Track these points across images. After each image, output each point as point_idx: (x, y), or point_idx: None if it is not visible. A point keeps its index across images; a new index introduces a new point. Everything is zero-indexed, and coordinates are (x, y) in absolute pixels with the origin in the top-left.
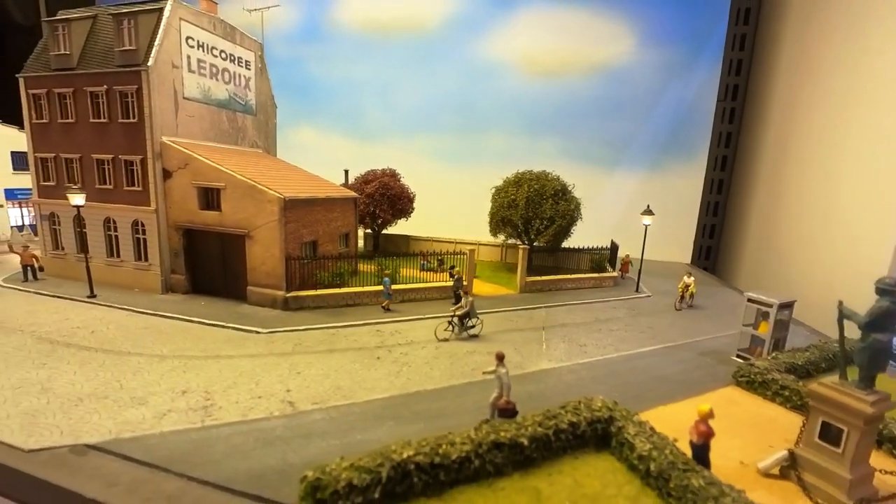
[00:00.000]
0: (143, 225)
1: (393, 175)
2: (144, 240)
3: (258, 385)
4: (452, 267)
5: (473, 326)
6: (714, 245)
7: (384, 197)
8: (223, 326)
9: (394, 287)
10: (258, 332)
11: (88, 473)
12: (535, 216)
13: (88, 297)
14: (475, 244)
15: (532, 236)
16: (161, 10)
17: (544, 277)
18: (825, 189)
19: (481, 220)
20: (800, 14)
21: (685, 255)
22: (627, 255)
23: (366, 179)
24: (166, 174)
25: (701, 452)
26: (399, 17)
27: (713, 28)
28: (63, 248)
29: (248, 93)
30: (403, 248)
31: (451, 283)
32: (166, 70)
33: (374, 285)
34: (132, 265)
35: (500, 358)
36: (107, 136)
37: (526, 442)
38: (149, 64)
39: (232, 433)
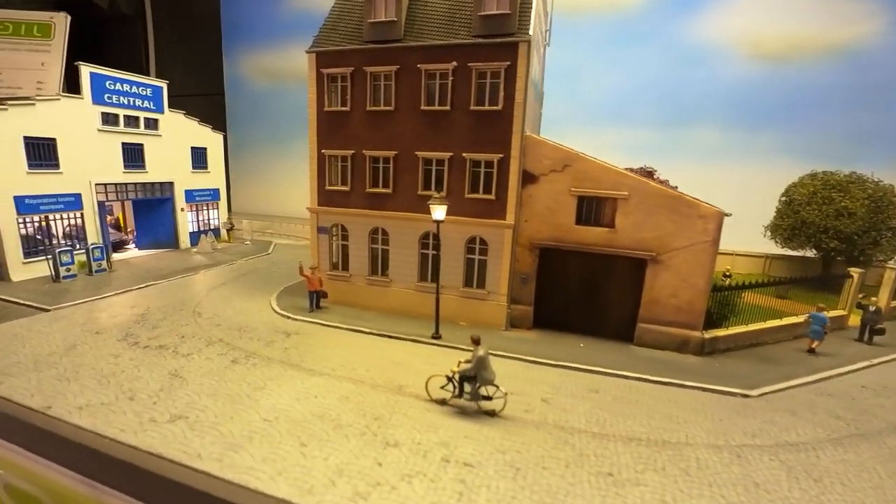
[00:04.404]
0: (482, 242)
1: (652, 174)
2: (482, 261)
3: None
4: (864, 296)
5: (489, 398)
6: None
7: None
8: (682, 386)
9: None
10: (746, 396)
11: None
12: (872, 227)
13: (433, 336)
14: (731, 253)
15: (860, 249)
16: None
17: None
18: None
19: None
20: None
21: None
22: None
23: None
24: (528, 178)
25: None
26: None
27: None
28: (348, 270)
29: (540, 76)
30: None
31: (857, 314)
32: (534, 44)
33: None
34: (457, 292)
35: None
36: (444, 128)
37: None
38: (529, 32)
39: None
